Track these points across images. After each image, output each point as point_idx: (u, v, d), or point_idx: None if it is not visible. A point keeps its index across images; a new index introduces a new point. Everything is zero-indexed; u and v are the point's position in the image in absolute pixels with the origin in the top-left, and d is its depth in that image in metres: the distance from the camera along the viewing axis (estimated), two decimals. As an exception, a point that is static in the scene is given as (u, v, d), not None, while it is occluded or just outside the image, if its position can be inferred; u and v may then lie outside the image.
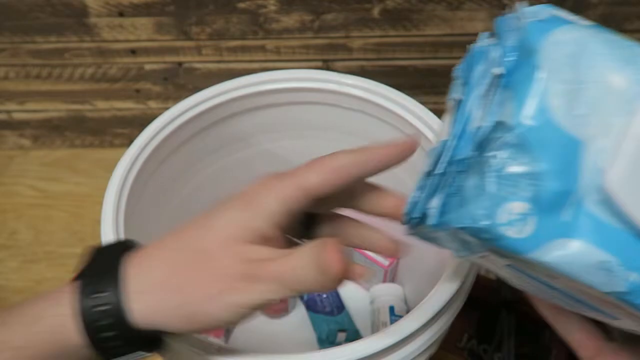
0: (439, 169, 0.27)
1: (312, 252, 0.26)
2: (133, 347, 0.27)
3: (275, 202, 0.28)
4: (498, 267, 0.30)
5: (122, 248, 0.28)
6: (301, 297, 0.64)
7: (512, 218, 0.24)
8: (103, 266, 0.27)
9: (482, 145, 0.25)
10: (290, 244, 0.31)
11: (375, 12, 0.66)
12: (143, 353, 0.28)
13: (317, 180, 0.28)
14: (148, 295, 0.26)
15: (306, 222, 0.33)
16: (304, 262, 0.26)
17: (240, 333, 0.61)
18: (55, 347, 0.26)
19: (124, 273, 0.26)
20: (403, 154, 0.30)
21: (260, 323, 0.63)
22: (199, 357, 0.33)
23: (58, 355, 0.26)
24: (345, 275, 0.25)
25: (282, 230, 0.29)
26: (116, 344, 0.26)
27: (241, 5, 0.65)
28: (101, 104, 0.78)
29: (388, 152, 0.30)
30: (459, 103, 0.28)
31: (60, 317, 0.26)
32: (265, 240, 0.28)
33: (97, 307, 0.25)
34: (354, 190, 0.32)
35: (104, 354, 0.27)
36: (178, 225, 0.29)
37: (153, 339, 0.28)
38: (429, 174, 0.28)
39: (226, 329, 0.59)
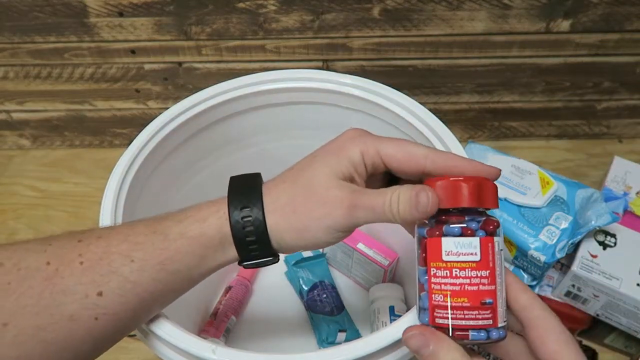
0: None
1: (407, 190, 0.32)
2: (266, 252, 0.35)
3: (358, 154, 0.35)
4: None
5: (258, 179, 0.37)
6: (301, 297, 0.64)
7: None
8: (248, 189, 0.36)
9: None
10: None
11: (375, 12, 0.66)
12: (269, 260, 0.36)
13: (391, 152, 0.35)
14: (275, 214, 0.35)
15: (388, 182, 0.39)
16: (401, 197, 0.33)
17: (240, 333, 0.62)
18: (216, 241, 0.35)
19: (262, 197, 0.35)
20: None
21: (260, 323, 0.63)
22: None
23: (217, 248, 0.35)
24: (433, 210, 0.32)
25: (363, 178, 0.36)
26: (254, 247, 0.35)
27: (241, 5, 0.65)
28: (101, 104, 0.78)
29: (466, 169, 0.34)
30: None
31: (221, 220, 0.35)
32: (352, 182, 0.35)
33: (245, 218, 0.34)
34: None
35: (244, 252, 0.35)
36: (289, 168, 0.37)
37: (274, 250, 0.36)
38: None
39: (226, 328, 0.59)
